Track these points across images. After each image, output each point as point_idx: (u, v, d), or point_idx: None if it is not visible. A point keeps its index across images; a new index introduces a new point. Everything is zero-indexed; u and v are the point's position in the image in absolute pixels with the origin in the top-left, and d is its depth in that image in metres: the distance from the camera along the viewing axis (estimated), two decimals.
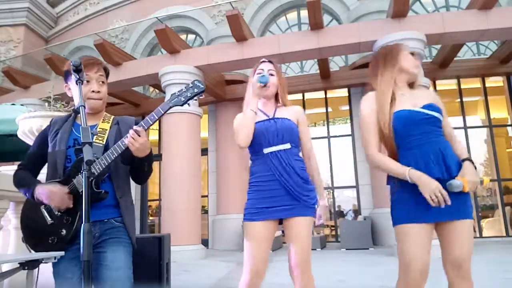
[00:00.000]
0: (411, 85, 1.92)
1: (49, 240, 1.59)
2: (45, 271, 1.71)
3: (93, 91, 1.70)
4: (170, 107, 1.57)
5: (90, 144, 1.40)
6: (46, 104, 3.95)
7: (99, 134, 1.69)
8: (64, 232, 1.58)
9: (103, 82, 1.74)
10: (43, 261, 1.57)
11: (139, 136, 1.52)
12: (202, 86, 1.57)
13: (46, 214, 1.61)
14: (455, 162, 1.72)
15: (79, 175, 1.58)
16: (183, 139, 8.26)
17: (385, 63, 1.90)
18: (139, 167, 1.66)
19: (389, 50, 1.94)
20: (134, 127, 1.54)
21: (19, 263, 1.57)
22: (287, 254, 1.96)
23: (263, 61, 2.17)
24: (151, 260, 2.88)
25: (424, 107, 1.77)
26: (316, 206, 1.99)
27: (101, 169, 1.55)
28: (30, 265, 1.57)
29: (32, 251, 1.62)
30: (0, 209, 2.54)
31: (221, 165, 10.37)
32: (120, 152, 1.56)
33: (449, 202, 1.60)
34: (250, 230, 1.94)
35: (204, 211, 10.41)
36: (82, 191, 1.54)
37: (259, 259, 1.91)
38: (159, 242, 2.94)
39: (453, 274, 1.66)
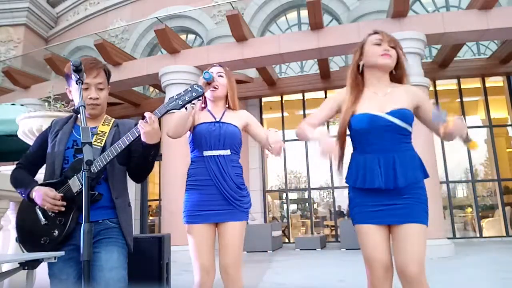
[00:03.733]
0: (400, 80, 1.82)
1: (41, 240, 1.59)
2: (41, 271, 1.71)
3: (90, 98, 1.69)
4: (168, 111, 1.59)
5: (90, 144, 1.40)
6: (46, 104, 3.95)
7: (98, 136, 1.69)
8: (56, 233, 1.58)
9: (101, 88, 1.73)
10: (43, 261, 1.57)
11: (153, 121, 1.54)
12: (201, 90, 1.59)
13: (40, 214, 1.61)
14: (409, 172, 1.64)
15: (75, 177, 1.59)
16: (183, 139, 8.22)
17: (353, 58, 1.88)
18: (144, 156, 1.64)
19: (358, 44, 1.89)
20: (148, 113, 1.55)
21: (19, 263, 1.57)
22: (218, 254, 2.03)
23: (214, 66, 2.23)
24: (151, 260, 2.88)
25: (390, 112, 1.68)
26: (249, 210, 2.08)
27: (96, 171, 1.56)
28: (30, 265, 1.57)
29: (25, 251, 1.63)
30: (0, 209, 2.54)
31: None
32: (119, 151, 1.57)
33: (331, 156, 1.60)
34: (193, 232, 2.02)
35: None
36: (76, 192, 1.58)
37: (206, 259, 2.01)
38: (159, 242, 2.94)
39: (401, 280, 1.62)
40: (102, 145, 1.68)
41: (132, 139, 1.57)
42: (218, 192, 2.00)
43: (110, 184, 1.67)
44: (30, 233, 1.64)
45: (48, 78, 11.77)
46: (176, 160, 8.16)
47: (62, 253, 1.56)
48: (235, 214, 2.02)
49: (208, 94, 2.13)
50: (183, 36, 11.43)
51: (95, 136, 1.69)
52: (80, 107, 1.50)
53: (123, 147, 1.57)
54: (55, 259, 1.52)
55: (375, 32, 1.86)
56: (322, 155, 1.61)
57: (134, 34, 12.13)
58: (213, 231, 2.06)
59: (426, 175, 1.71)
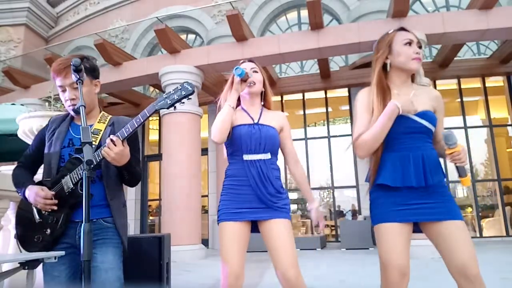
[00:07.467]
0: (412, 78, 1.80)
1: (35, 238, 1.61)
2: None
3: (67, 100, 1.68)
4: (156, 110, 1.54)
5: (90, 144, 1.40)
6: (46, 104, 3.95)
7: (93, 135, 1.66)
8: (48, 231, 1.60)
9: (75, 88, 1.63)
10: (43, 261, 1.57)
11: (115, 145, 1.50)
12: (191, 89, 1.51)
13: (35, 212, 1.63)
14: (434, 171, 1.65)
15: (68, 176, 1.60)
16: (183, 139, 8.26)
17: (377, 56, 1.79)
18: (120, 175, 1.66)
19: (381, 39, 1.80)
20: (111, 136, 1.52)
21: (19, 263, 1.57)
22: (270, 258, 1.90)
23: (243, 62, 2.12)
24: (151, 260, 2.88)
25: (418, 114, 1.67)
26: (288, 208, 1.99)
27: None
28: (30, 265, 1.57)
29: (22, 249, 1.65)
30: (0, 209, 2.54)
31: (221, 165, 10.36)
32: (99, 159, 1.54)
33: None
34: (226, 230, 1.89)
35: (204, 211, 10.41)
36: (67, 191, 1.58)
37: (237, 262, 1.85)
38: (159, 242, 2.94)
39: (461, 280, 1.56)
40: (97, 143, 1.67)
41: (98, 160, 1.54)
42: (255, 194, 1.92)
43: (105, 185, 1.66)
44: (26, 230, 1.65)
45: (48, 78, 11.75)
46: (176, 160, 8.17)
47: (62, 253, 1.57)
48: (275, 212, 1.91)
49: (244, 91, 2.03)
50: (183, 36, 11.43)
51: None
52: (80, 107, 1.51)
53: (98, 159, 1.54)
54: (55, 259, 1.53)
55: (403, 29, 1.78)
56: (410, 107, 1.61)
57: (134, 34, 12.13)
58: (247, 231, 1.93)
59: (444, 174, 1.71)
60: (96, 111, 1.79)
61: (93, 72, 1.74)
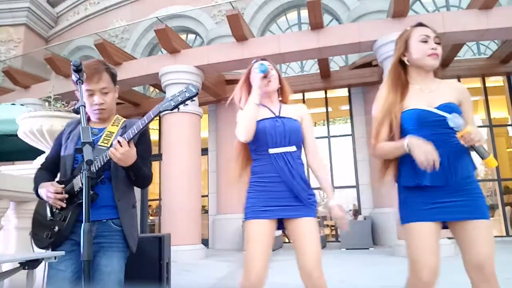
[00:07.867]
0: (435, 72, 1.77)
1: (44, 235, 1.66)
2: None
3: (96, 104, 1.72)
4: (160, 112, 1.57)
5: (90, 144, 1.41)
6: (46, 104, 3.94)
7: (105, 137, 1.71)
8: (56, 228, 1.64)
9: (106, 92, 1.73)
10: (43, 261, 1.58)
11: (121, 146, 1.53)
12: (195, 91, 1.54)
13: (48, 210, 1.68)
14: (462, 167, 1.62)
15: (78, 176, 1.64)
16: (183, 139, 8.26)
17: (394, 52, 1.79)
18: (126, 174, 1.67)
19: (399, 36, 1.80)
20: (118, 137, 1.56)
21: (19, 263, 1.58)
22: (295, 256, 1.90)
23: (256, 61, 2.12)
24: (151, 260, 2.88)
25: (439, 107, 1.63)
26: (316, 205, 1.95)
27: (95, 171, 1.59)
28: (30, 265, 1.58)
29: (34, 245, 1.69)
30: (0, 209, 2.54)
31: (221, 165, 10.36)
32: (106, 159, 1.58)
33: (436, 164, 1.49)
34: (256, 229, 1.87)
35: (204, 211, 10.41)
36: (76, 191, 1.62)
37: (263, 260, 1.85)
38: (159, 242, 2.94)
39: (477, 277, 1.57)
40: (109, 145, 1.69)
41: (106, 161, 1.58)
42: (287, 189, 1.88)
43: (114, 186, 1.68)
44: (38, 228, 1.71)
45: (48, 78, 11.77)
46: (176, 160, 8.17)
47: (62, 252, 1.59)
48: (305, 210, 1.89)
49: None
50: (183, 36, 11.42)
51: (102, 137, 1.72)
52: (80, 107, 1.53)
53: (102, 164, 1.58)
54: (55, 258, 1.54)
55: (420, 24, 1.77)
56: (426, 161, 1.50)
57: (134, 34, 12.13)
58: (273, 229, 1.91)
59: (475, 166, 1.67)
60: (113, 115, 1.84)
61: (115, 78, 1.81)
